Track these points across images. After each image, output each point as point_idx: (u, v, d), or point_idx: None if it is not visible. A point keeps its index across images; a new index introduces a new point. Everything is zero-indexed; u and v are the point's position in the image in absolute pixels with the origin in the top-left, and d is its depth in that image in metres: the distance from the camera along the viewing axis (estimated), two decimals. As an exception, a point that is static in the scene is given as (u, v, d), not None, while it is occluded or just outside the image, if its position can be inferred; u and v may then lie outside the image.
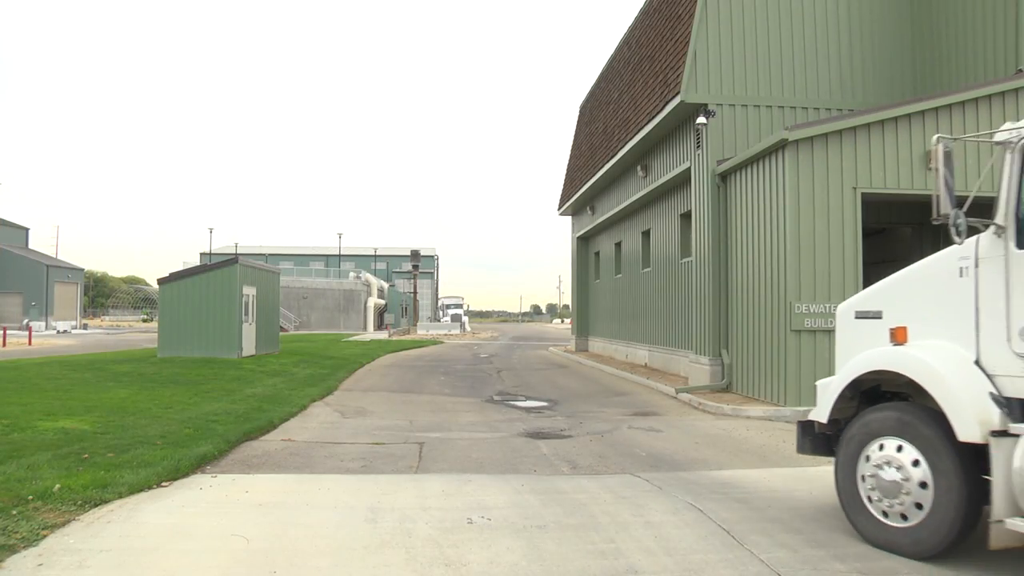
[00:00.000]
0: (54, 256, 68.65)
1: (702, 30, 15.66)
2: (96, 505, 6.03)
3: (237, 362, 20.32)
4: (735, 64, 15.80)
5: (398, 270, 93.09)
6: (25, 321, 51.47)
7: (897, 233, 17.65)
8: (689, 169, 16.87)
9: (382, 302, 69.18)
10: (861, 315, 6.00)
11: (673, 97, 16.22)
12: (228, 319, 21.92)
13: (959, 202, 4.89)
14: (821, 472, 7.43)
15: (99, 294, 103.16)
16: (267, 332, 25.18)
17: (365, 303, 65.39)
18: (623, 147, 20.86)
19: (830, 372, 6.32)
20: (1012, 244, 4.81)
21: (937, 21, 16.45)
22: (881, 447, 5.28)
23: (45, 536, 5.21)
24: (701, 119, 15.63)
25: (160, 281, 23.14)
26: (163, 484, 6.89)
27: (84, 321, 65.55)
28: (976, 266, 5.02)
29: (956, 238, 4.91)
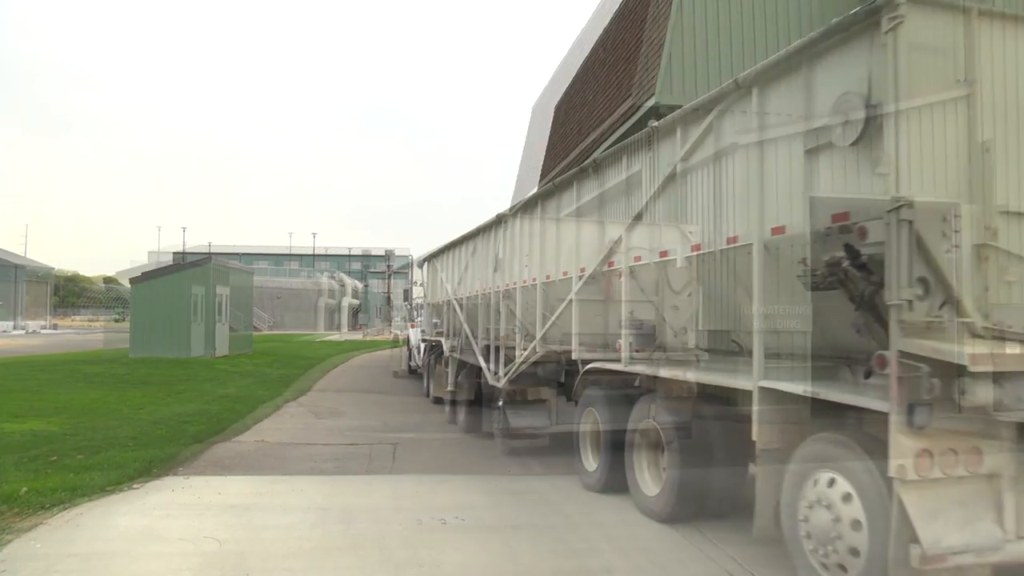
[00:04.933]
0: (23, 255, 67.33)
1: (676, 34, 15.78)
2: (65, 508, 5.93)
3: (210, 362, 20.14)
4: (710, 68, 15.91)
5: (373, 270, 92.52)
6: (-8, 321, 50.44)
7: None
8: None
9: (356, 302, 68.80)
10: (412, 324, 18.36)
11: (648, 99, 16.32)
12: (201, 319, 21.71)
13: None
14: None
15: (70, 293, 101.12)
16: (240, 332, 24.96)
17: (339, 303, 64.99)
18: (597, 148, 20.94)
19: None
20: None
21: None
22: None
23: (10, 541, 5.12)
24: (653, 122, 15.67)
25: (132, 281, 22.87)
26: (134, 486, 6.81)
27: (54, 321, 64.23)
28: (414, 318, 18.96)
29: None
